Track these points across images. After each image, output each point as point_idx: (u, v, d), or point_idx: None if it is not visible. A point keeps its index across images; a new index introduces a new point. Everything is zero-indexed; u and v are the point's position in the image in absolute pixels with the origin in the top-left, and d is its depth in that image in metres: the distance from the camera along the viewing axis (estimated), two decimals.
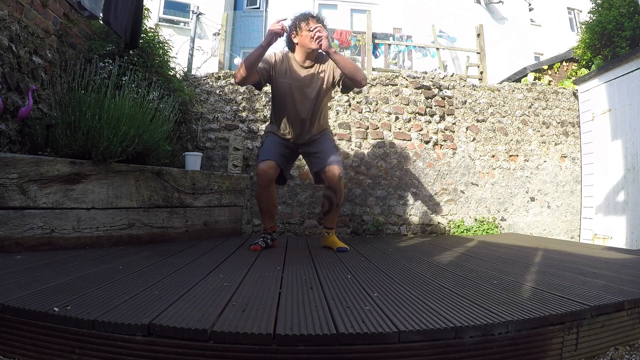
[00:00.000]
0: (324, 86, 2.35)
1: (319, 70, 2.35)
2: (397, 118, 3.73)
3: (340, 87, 2.37)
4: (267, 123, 2.54)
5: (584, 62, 4.51)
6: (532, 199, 3.94)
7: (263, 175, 2.26)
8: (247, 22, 12.96)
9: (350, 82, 2.29)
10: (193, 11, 10.91)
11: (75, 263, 1.68)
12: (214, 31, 10.76)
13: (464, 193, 3.79)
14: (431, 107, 3.80)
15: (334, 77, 2.35)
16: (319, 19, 2.32)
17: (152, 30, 3.29)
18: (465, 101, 3.89)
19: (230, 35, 11.56)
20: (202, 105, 3.61)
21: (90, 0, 2.45)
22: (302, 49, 2.31)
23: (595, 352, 1.12)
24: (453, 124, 3.84)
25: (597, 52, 4.32)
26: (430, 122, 3.78)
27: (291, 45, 2.37)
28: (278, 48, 2.50)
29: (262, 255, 2.14)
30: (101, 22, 2.97)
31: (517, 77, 4.87)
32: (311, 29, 2.20)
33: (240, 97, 3.64)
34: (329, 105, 2.52)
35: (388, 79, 3.78)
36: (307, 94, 2.32)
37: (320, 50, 2.27)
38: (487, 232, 3.67)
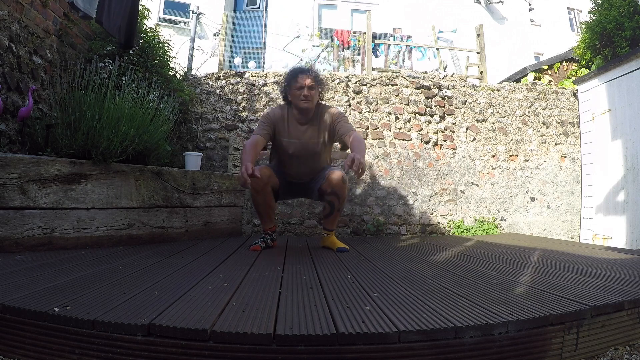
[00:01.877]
0: (325, 141, 2.38)
1: (319, 125, 2.34)
2: (397, 118, 3.73)
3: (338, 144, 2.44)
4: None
5: (584, 62, 4.51)
6: (532, 199, 3.94)
7: (256, 179, 2.09)
8: (247, 22, 12.95)
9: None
10: (193, 11, 10.90)
11: (75, 263, 1.68)
12: (214, 31, 10.76)
13: (464, 193, 3.79)
14: (431, 107, 3.80)
15: (334, 130, 2.33)
16: (309, 73, 2.29)
17: (152, 30, 3.29)
18: (465, 101, 3.89)
19: (230, 35, 11.55)
20: (202, 105, 3.61)
21: (84, 1, 2.45)
22: (295, 107, 2.32)
23: (595, 352, 1.12)
24: (453, 124, 3.84)
25: (597, 52, 4.32)
26: (430, 122, 3.78)
27: (288, 101, 2.38)
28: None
29: (262, 255, 2.14)
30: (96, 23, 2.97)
31: (517, 77, 4.87)
32: (300, 89, 2.24)
33: (240, 97, 3.64)
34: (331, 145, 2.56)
35: (388, 79, 3.78)
36: (309, 150, 2.36)
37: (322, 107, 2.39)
38: (487, 232, 3.67)
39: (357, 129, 3.66)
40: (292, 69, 2.40)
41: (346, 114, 3.68)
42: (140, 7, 3.18)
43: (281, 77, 3.66)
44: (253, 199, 2.35)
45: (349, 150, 2.22)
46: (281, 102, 2.46)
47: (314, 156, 2.39)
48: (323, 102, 2.48)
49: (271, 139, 2.40)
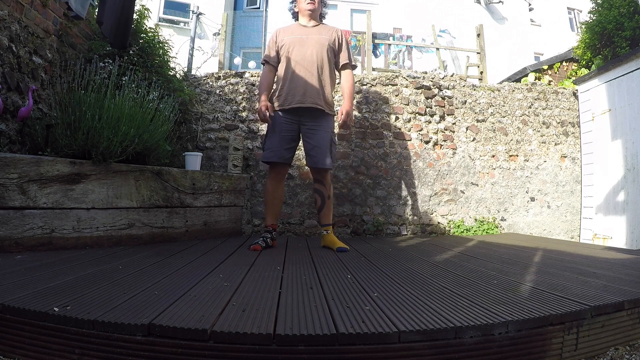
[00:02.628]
0: (328, 40, 2.46)
1: (323, 31, 2.50)
2: (397, 118, 3.73)
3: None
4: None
5: (584, 62, 4.51)
6: (532, 199, 3.94)
7: (276, 174, 2.48)
8: (247, 22, 12.95)
9: None
10: (193, 11, 10.90)
11: (75, 263, 1.68)
12: (214, 31, 10.76)
13: (464, 193, 3.79)
14: (431, 107, 3.80)
15: (336, 47, 2.50)
16: None
17: (152, 30, 3.29)
18: (465, 101, 3.89)
19: (230, 35, 11.55)
20: (202, 105, 3.61)
21: (76, 1, 2.46)
22: (302, 14, 2.53)
23: (595, 352, 1.12)
24: (453, 124, 3.84)
25: (597, 52, 4.32)
26: (430, 122, 3.78)
27: (295, 16, 2.62)
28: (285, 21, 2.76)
29: (262, 255, 2.14)
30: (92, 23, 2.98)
31: (517, 77, 4.87)
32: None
33: (240, 97, 3.64)
34: (335, 74, 2.60)
35: (388, 79, 3.78)
36: (311, 42, 2.43)
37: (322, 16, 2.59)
38: (487, 232, 3.67)
39: (357, 129, 3.67)
40: None
41: None
42: (139, 7, 3.19)
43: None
44: (266, 188, 2.52)
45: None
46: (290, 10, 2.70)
47: (317, 53, 2.41)
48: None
49: (278, 58, 2.49)
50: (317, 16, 2.54)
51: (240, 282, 1.42)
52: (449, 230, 3.68)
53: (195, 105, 3.57)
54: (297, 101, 2.38)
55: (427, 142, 3.76)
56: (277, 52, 2.48)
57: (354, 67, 2.58)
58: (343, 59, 2.51)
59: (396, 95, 3.76)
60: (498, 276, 1.61)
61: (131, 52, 2.94)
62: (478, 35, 5.19)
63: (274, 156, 2.42)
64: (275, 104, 2.47)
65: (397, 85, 3.78)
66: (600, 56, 4.25)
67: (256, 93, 3.65)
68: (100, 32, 3.01)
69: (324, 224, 2.54)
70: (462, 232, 3.64)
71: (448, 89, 3.87)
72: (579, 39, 4.58)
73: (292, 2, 2.63)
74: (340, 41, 2.51)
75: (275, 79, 2.55)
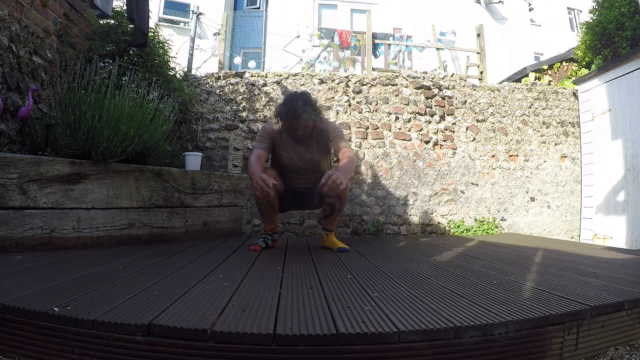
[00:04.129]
0: (323, 153, 2.40)
1: (316, 140, 2.36)
2: (397, 118, 3.73)
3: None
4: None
5: (584, 63, 4.51)
6: (532, 199, 3.94)
7: (264, 183, 2.18)
8: (247, 22, 12.95)
9: None
10: (193, 11, 10.90)
11: (75, 263, 1.68)
12: (214, 31, 10.76)
13: (464, 193, 3.79)
14: (431, 107, 3.80)
15: (328, 141, 2.35)
16: (303, 114, 2.16)
17: (152, 30, 3.29)
18: (465, 101, 3.89)
19: (230, 35, 11.55)
20: (202, 105, 3.61)
21: (103, 0, 2.48)
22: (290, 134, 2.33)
23: (595, 352, 1.12)
24: (453, 124, 3.84)
25: (598, 52, 4.32)
26: (430, 122, 3.78)
27: (280, 124, 2.32)
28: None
29: (262, 255, 2.14)
30: (110, 21, 3.01)
31: (517, 77, 4.87)
32: (294, 129, 2.23)
33: (240, 97, 3.64)
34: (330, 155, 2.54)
35: (388, 79, 3.78)
36: (307, 162, 2.37)
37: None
38: (487, 232, 3.67)
39: (357, 129, 3.67)
40: (286, 106, 2.21)
41: (346, 114, 3.68)
42: None
43: (281, 78, 3.66)
44: (257, 200, 2.32)
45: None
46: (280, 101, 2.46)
47: (311, 166, 2.40)
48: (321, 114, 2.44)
49: (271, 151, 2.41)
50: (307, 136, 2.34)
51: (240, 282, 1.42)
52: (449, 230, 3.68)
53: (195, 105, 3.57)
54: (297, 187, 2.45)
55: (427, 142, 3.76)
56: (270, 148, 2.36)
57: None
58: (338, 147, 2.28)
59: (396, 95, 3.76)
60: (498, 276, 1.61)
61: (131, 52, 2.94)
62: (478, 35, 5.19)
63: (272, 177, 2.24)
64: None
65: (397, 85, 3.78)
66: (600, 56, 4.25)
67: (256, 93, 3.65)
68: (102, 32, 3.01)
69: (327, 229, 2.50)
70: (462, 232, 3.64)
71: (448, 89, 3.87)
72: (580, 40, 4.58)
73: (280, 116, 2.26)
74: (332, 140, 2.31)
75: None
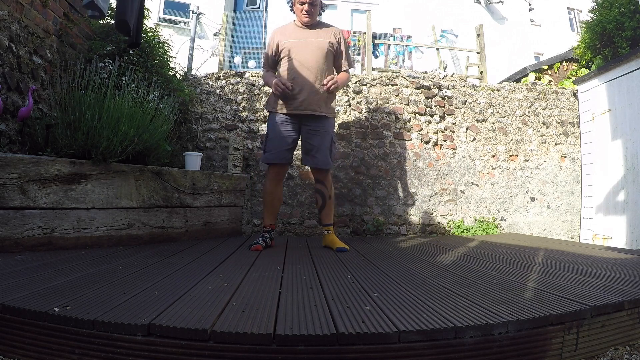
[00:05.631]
0: (328, 44, 2.43)
1: (323, 32, 2.47)
2: (397, 118, 3.73)
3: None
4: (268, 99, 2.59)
5: (584, 62, 4.51)
6: (532, 199, 3.94)
7: (275, 174, 2.46)
8: (247, 22, 12.95)
9: None
10: (193, 11, 10.90)
11: (75, 263, 1.68)
12: (214, 31, 10.76)
13: (464, 193, 3.79)
14: (431, 107, 3.80)
15: (336, 49, 2.48)
16: None
17: (152, 30, 3.29)
18: (465, 101, 3.89)
19: (230, 35, 11.55)
20: (202, 105, 3.61)
21: (104, 0, 2.49)
22: (298, 19, 2.47)
23: (595, 352, 1.12)
24: (453, 124, 3.84)
25: (598, 52, 4.32)
26: (430, 122, 3.78)
27: (293, 11, 2.53)
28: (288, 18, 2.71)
29: (262, 255, 2.14)
30: (110, 21, 3.01)
31: (517, 77, 4.87)
32: (301, 4, 2.38)
33: (240, 97, 3.64)
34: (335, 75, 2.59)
35: (388, 79, 3.78)
36: (311, 47, 2.41)
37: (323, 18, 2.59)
38: (487, 232, 3.67)
39: (357, 129, 3.67)
40: None
41: (346, 114, 3.68)
42: None
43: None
44: (265, 188, 2.50)
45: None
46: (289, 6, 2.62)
47: (318, 56, 2.39)
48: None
49: (277, 62, 2.49)
50: (315, 22, 2.49)
51: (240, 282, 1.42)
52: (449, 230, 3.68)
53: (195, 105, 3.56)
54: (299, 107, 2.37)
55: (427, 142, 3.76)
56: (276, 56, 2.47)
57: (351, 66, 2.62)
58: (344, 65, 2.53)
59: (396, 95, 3.76)
60: (498, 276, 1.61)
61: (131, 52, 2.94)
62: (478, 35, 5.19)
63: (275, 157, 2.41)
64: (275, 104, 2.46)
65: (397, 85, 3.78)
66: (600, 56, 4.25)
67: (256, 93, 3.65)
68: (102, 32, 3.01)
69: (325, 224, 2.54)
70: (462, 232, 3.64)
71: (448, 89, 3.86)
72: (579, 39, 4.58)
73: (290, 1, 2.54)
74: (339, 44, 2.49)
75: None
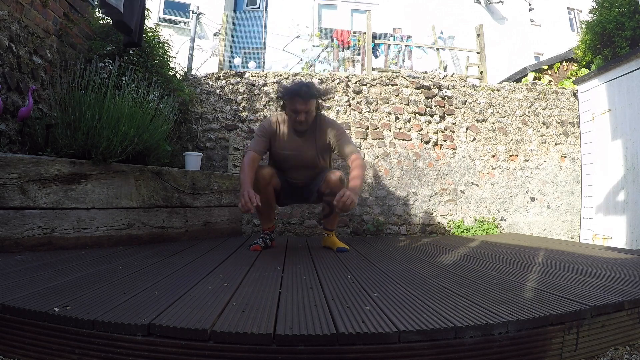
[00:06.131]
0: (323, 153, 2.36)
1: (316, 137, 2.31)
2: (397, 118, 3.73)
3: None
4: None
5: (584, 63, 4.51)
6: (532, 199, 3.94)
7: (261, 179, 2.22)
8: (247, 22, 12.95)
9: None
10: (193, 11, 10.89)
11: (75, 263, 1.68)
12: (214, 31, 10.76)
13: (464, 193, 3.79)
14: (431, 107, 3.80)
15: (330, 142, 2.32)
16: (305, 97, 2.15)
17: (152, 30, 3.29)
18: (465, 101, 3.89)
19: (230, 35, 11.55)
20: (202, 105, 3.61)
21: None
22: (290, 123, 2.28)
23: (595, 352, 1.12)
24: (453, 124, 3.84)
25: (598, 52, 4.32)
26: (430, 122, 3.78)
27: (285, 110, 2.31)
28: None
29: (262, 255, 2.14)
30: (110, 21, 3.01)
31: (517, 77, 4.87)
32: (295, 113, 2.17)
33: (240, 97, 3.64)
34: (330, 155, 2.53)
35: (388, 79, 3.78)
36: (305, 160, 2.33)
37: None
38: (487, 232, 3.67)
39: (357, 129, 3.66)
40: (290, 88, 2.20)
41: (346, 114, 3.68)
42: None
43: (282, 78, 3.67)
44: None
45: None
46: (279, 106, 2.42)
47: (310, 165, 2.37)
48: (322, 113, 2.40)
49: (268, 149, 2.37)
50: (309, 126, 2.28)
51: (240, 282, 1.42)
52: (449, 230, 3.68)
53: (195, 105, 3.56)
54: (295, 183, 2.42)
55: (427, 142, 3.76)
56: (266, 146, 2.32)
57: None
58: (348, 151, 2.25)
59: (396, 95, 3.76)
60: (498, 276, 1.61)
61: (131, 52, 2.94)
62: (478, 35, 5.18)
63: (269, 175, 2.27)
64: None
65: (397, 85, 3.78)
66: (600, 56, 4.25)
67: (256, 93, 3.65)
68: (102, 32, 3.01)
69: (327, 229, 2.51)
70: (462, 232, 3.64)
71: (448, 89, 3.86)
72: (580, 40, 4.58)
73: (282, 101, 2.27)
74: (336, 142, 2.28)
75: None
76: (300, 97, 2.14)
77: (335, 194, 2.18)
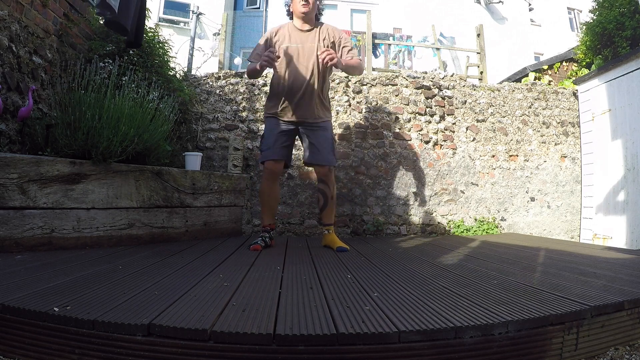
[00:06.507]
0: (324, 46, 2.37)
1: (319, 34, 2.41)
2: (397, 118, 3.73)
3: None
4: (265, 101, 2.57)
5: (584, 63, 4.51)
6: (532, 199, 3.94)
7: (269, 173, 2.41)
8: (247, 22, 12.95)
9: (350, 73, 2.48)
10: (193, 11, 10.90)
11: (75, 263, 1.68)
12: (214, 31, 10.76)
13: (464, 193, 3.79)
14: (431, 107, 3.80)
15: (334, 44, 2.42)
16: None
17: (152, 30, 3.29)
18: (465, 101, 3.89)
19: (230, 35, 11.55)
20: (202, 105, 3.61)
21: None
22: (296, 15, 2.41)
23: (595, 352, 1.12)
24: (453, 124, 3.84)
25: (598, 52, 4.32)
26: (430, 122, 3.78)
27: (290, 15, 2.48)
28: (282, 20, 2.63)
29: (262, 255, 2.14)
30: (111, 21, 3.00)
31: (517, 77, 4.87)
32: None
33: (240, 97, 3.64)
34: (330, 80, 2.54)
35: (388, 79, 3.78)
36: (307, 52, 2.36)
37: (320, 20, 2.50)
38: (487, 232, 3.67)
39: (357, 129, 3.66)
40: None
41: (346, 114, 3.68)
42: None
43: None
44: (262, 188, 2.47)
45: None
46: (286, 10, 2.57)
47: (313, 65, 2.34)
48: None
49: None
50: (312, 18, 2.42)
51: (240, 282, 1.42)
52: (449, 230, 3.68)
53: (195, 105, 3.57)
54: (294, 116, 2.39)
55: (427, 142, 3.76)
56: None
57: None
58: (351, 54, 2.42)
59: (396, 95, 3.76)
60: (498, 276, 1.61)
61: (131, 52, 2.94)
62: (478, 35, 5.18)
63: (270, 154, 2.38)
64: (271, 110, 2.44)
65: (397, 85, 3.78)
66: (600, 56, 4.25)
67: (256, 93, 3.65)
68: (102, 32, 3.01)
69: (325, 224, 2.54)
70: (462, 232, 3.64)
71: (448, 89, 3.86)
72: (580, 40, 4.58)
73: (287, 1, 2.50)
74: (340, 40, 2.42)
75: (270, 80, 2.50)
76: None
77: (325, 181, 2.44)
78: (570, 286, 1.41)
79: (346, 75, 3.80)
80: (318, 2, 2.46)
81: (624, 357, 1.12)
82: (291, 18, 2.49)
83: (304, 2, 2.34)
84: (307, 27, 2.41)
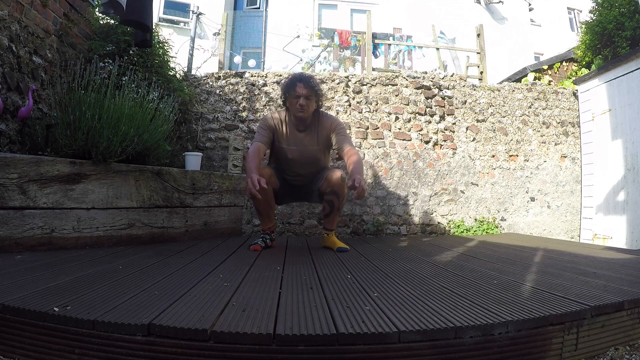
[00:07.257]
0: (324, 148, 2.41)
1: (318, 132, 2.38)
2: (397, 118, 3.73)
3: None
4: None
5: (584, 63, 4.51)
6: (532, 199, 3.94)
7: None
8: (247, 22, 12.95)
9: None
10: (193, 11, 10.89)
11: (75, 263, 1.68)
12: (214, 31, 10.76)
13: (464, 193, 3.79)
14: (431, 107, 3.80)
15: (330, 139, 2.39)
16: (306, 83, 2.26)
17: (152, 30, 3.28)
18: (465, 101, 3.89)
19: (230, 35, 11.56)
20: (202, 105, 3.61)
21: None
22: (293, 114, 2.33)
23: (595, 352, 1.12)
24: (453, 124, 3.84)
25: (598, 52, 4.32)
26: (430, 122, 3.78)
27: (287, 107, 2.38)
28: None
29: (262, 255, 2.14)
30: (110, 21, 3.00)
31: (517, 77, 4.87)
32: (296, 98, 2.25)
33: (240, 97, 3.64)
34: (330, 153, 2.58)
35: (388, 79, 3.78)
36: (307, 156, 2.38)
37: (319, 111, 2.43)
38: (487, 232, 3.67)
39: (357, 129, 3.67)
40: (291, 76, 2.36)
41: (346, 114, 3.68)
42: None
43: (282, 78, 3.67)
44: (253, 198, 2.29)
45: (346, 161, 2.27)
46: (281, 101, 2.46)
47: (312, 161, 2.41)
48: (322, 110, 2.49)
49: (271, 143, 2.41)
50: (310, 117, 2.34)
51: (240, 282, 1.42)
52: (449, 230, 3.68)
53: (195, 105, 3.57)
54: (295, 183, 2.49)
55: (427, 142, 3.76)
56: (270, 140, 2.36)
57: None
58: (342, 144, 2.32)
59: (396, 95, 3.76)
60: (498, 276, 1.61)
61: (131, 52, 2.94)
62: (478, 35, 5.18)
63: (267, 175, 2.29)
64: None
65: (397, 85, 3.78)
66: (600, 56, 4.25)
67: (256, 93, 3.65)
68: (102, 32, 3.01)
69: (327, 229, 2.50)
70: (462, 232, 3.64)
71: (448, 89, 3.86)
72: (580, 40, 4.58)
73: (284, 92, 2.36)
74: (333, 134, 2.35)
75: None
76: (301, 81, 2.27)
77: (336, 193, 2.28)
78: (570, 286, 1.41)
79: (346, 75, 3.80)
80: (317, 97, 2.33)
81: (624, 357, 1.12)
82: (287, 109, 2.38)
83: (300, 108, 2.25)
84: (302, 126, 2.36)
